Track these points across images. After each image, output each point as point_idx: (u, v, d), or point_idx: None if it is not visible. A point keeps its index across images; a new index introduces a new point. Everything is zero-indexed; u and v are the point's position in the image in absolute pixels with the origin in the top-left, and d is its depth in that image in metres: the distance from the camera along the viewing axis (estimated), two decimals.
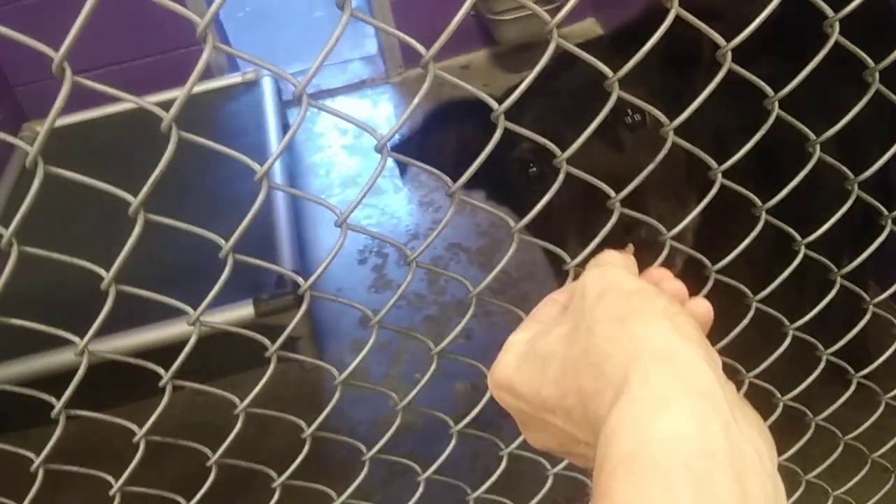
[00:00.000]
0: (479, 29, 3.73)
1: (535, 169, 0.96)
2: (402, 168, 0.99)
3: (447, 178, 0.70)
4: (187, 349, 0.71)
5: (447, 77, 0.63)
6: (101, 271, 0.64)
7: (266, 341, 0.75)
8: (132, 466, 0.77)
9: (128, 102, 0.57)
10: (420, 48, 0.60)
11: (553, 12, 0.62)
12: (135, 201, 0.60)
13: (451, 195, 0.70)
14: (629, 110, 0.91)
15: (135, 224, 0.61)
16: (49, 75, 0.50)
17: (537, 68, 0.64)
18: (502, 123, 0.65)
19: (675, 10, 0.65)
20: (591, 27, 3.83)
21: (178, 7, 0.57)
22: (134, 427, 0.76)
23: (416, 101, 0.61)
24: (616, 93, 0.67)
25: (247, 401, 0.78)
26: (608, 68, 0.66)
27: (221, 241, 0.66)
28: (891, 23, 1.42)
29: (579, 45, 1.04)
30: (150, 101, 0.58)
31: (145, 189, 0.60)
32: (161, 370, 0.75)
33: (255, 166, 0.63)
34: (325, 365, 0.82)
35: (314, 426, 0.84)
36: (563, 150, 0.69)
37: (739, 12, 0.81)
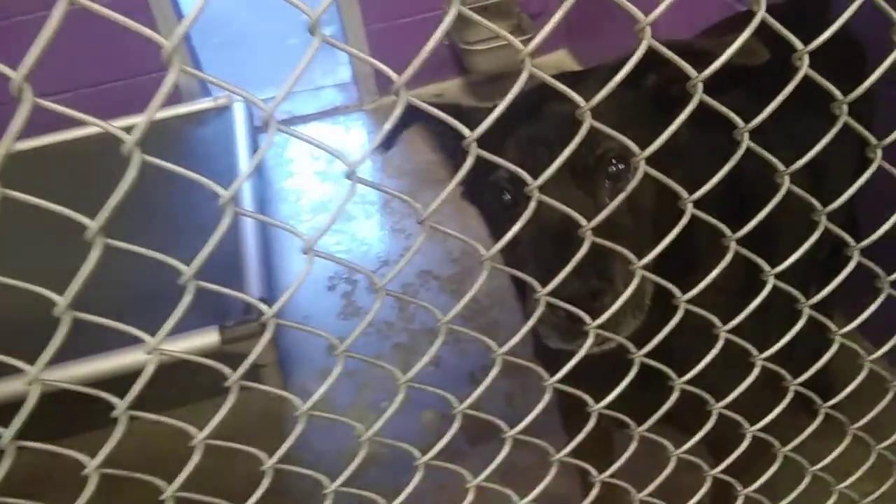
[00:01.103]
0: (452, 58, 3.76)
1: (508, 197, 0.96)
2: (389, 142, 0.97)
3: (418, 205, 0.69)
4: (144, 379, 0.68)
5: (419, 104, 0.63)
6: (56, 297, 0.62)
7: (227, 370, 0.73)
8: (82, 502, 0.74)
9: (95, 127, 0.56)
10: (392, 74, 0.60)
11: (526, 43, 0.62)
12: (92, 224, 0.58)
13: (421, 222, 0.69)
14: (614, 160, 0.91)
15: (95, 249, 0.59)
16: (11, 98, 0.49)
17: (509, 97, 0.63)
18: (474, 151, 0.65)
19: (647, 41, 0.65)
20: (563, 58, 3.88)
21: (145, 30, 0.55)
22: (84, 459, 0.73)
23: (387, 126, 0.61)
24: (588, 122, 0.67)
25: (204, 432, 0.75)
26: (583, 98, 0.66)
27: (183, 267, 0.64)
28: (856, 55, 1.45)
29: (577, 74, 1.05)
30: (118, 125, 0.56)
31: (103, 213, 0.58)
32: (116, 400, 0.72)
33: (221, 191, 0.62)
34: (288, 395, 0.80)
35: (274, 459, 0.82)
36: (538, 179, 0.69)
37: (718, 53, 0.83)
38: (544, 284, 0.76)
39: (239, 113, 3.26)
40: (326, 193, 3.29)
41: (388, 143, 0.97)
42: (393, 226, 3.07)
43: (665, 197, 0.83)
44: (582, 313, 0.79)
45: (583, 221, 0.73)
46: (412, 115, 0.68)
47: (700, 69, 0.68)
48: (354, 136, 3.69)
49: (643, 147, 0.71)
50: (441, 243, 2.79)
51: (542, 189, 0.69)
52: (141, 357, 1.95)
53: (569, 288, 0.77)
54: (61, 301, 0.61)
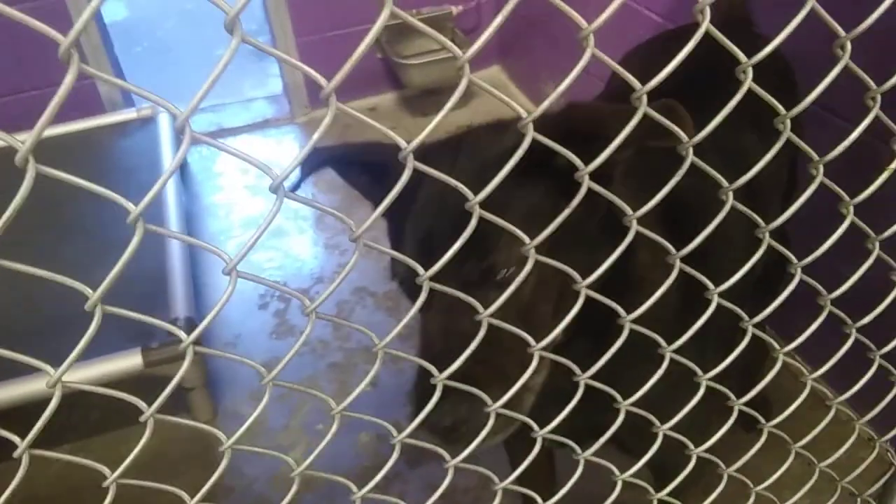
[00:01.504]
0: (386, 72, 3.71)
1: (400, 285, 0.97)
2: (302, 177, 0.94)
3: (351, 222, 0.65)
4: (46, 415, 0.61)
5: (350, 111, 0.58)
6: None
7: (142, 404, 0.66)
8: None
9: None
10: (321, 80, 0.55)
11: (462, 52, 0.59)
12: None
13: (354, 240, 0.64)
14: (504, 270, 0.88)
15: None
16: None
17: (442, 112, 0.61)
18: (410, 163, 0.61)
19: (590, 49, 0.62)
20: (496, 74, 3.88)
21: (38, 25, 0.49)
22: None
23: (316, 136, 0.56)
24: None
25: (118, 472, 0.68)
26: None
27: (88, 291, 0.57)
28: (783, 72, 1.47)
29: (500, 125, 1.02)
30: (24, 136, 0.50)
31: None
32: (16, 438, 0.64)
33: (130, 206, 0.56)
34: (212, 429, 0.74)
35: (198, 497, 0.75)
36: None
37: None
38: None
39: (164, 124, 3.14)
40: (257, 208, 3.20)
41: (297, 185, 0.94)
42: (326, 242, 3.00)
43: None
44: (440, 449, 0.86)
45: (479, 308, 0.75)
46: (317, 161, 0.66)
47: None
48: (286, 149, 3.60)
49: (549, 249, 0.73)
50: (376, 260, 2.73)
51: (431, 301, 0.71)
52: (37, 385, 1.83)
53: (435, 416, 0.83)
54: None
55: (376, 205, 0.66)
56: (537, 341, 0.80)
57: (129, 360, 1.99)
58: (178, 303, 2.20)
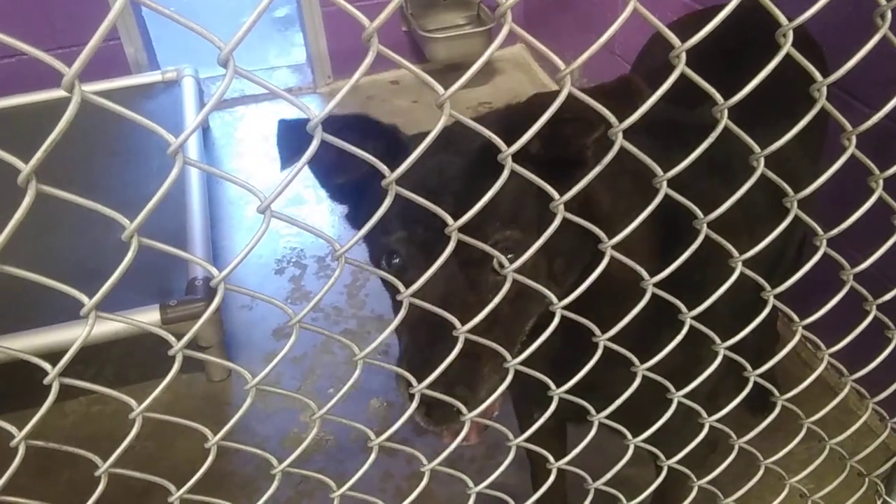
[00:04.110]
0: (411, 45, 3.70)
1: (398, 261, 0.94)
2: (286, 155, 0.94)
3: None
4: (79, 342, 0.62)
5: (389, 54, 0.58)
6: None
7: (171, 338, 0.68)
8: (9, 473, 0.68)
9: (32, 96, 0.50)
10: (363, 19, 0.55)
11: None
12: (25, 168, 0.52)
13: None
14: (507, 247, 0.88)
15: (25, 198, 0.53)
16: None
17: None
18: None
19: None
20: (520, 52, 3.86)
21: None
22: (13, 429, 0.66)
23: (357, 75, 0.57)
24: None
25: (145, 403, 0.70)
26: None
27: (125, 221, 0.58)
28: (814, 56, 1.45)
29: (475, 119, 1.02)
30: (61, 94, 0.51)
31: (38, 155, 0.52)
32: (47, 365, 0.66)
33: (170, 138, 0.57)
34: (238, 367, 0.75)
35: (221, 434, 0.77)
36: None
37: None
38: (414, 370, 0.82)
39: (188, 88, 3.15)
40: (276, 175, 3.20)
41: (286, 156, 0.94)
42: (343, 211, 3.01)
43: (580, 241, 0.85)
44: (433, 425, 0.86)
45: (457, 324, 0.76)
46: (336, 125, 0.66)
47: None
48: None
49: (538, 230, 0.74)
50: None
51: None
52: (74, 332, 1.85)
53: (434, 391, 0.82)
54: None
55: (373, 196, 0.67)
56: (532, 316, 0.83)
57: (147, 316, 2.02)
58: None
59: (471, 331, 0.77)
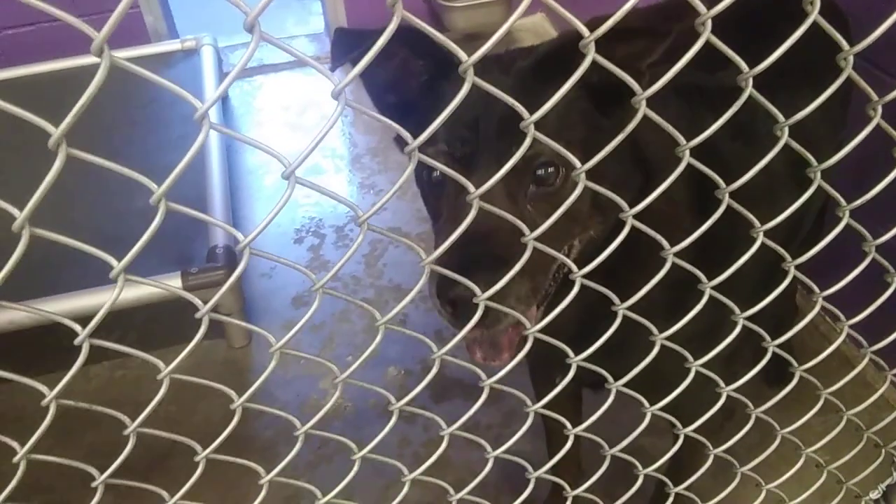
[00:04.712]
0: (430, 15, 3.68)
1: (438, 175, 0.95)
2: (337, 59, 0.93)
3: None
4: (108, 304, 0.64)
5: (413, 20, 0.59)
6: (14, 210, 0.57)
7: (198, 301, 0.69)
8: (39, 432, 0.70)
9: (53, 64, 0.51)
10: None
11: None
12: (56, 131, 0.53)
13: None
14: (542, 163, 0.89)
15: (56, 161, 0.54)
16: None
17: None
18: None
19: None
20: (540, 22, 3.82)
21: None
22: (44, 388, 0.68)
23: (381, 41, 0.57)
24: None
25: (172, 365, 0.71)
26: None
27: (153, 185, 0.59)
28: (840, 26, 1.43)
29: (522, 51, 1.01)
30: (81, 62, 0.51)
31: (68, 119, 0.53)
32: (77, 326, 0.67)
33: (197, 102, 0.58)
34: (262, 331, 0.76)
35: (246, 396, 0.78)
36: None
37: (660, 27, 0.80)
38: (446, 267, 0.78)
39: (208, 57, 3.16)
40: (295, 145, 3.22)
41: (338, 62, 0.92)
42: (362, 182, 3.02)
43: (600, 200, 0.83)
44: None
45: (525, 230, 0.74)
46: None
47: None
48: (324, 87, 3.59)
49: (583, 153, 0.72)
50: (410, 202, 2.75)
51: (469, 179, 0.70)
52: (101, 297, 1.88)
53: (456, 292, 0.81)
54: (20, 215, 0.57)
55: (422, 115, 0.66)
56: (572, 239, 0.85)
57: (169, 283, 2.04)
58: (217, 230, 2.24)
59: (507, 246, 0.78)
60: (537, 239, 0.74)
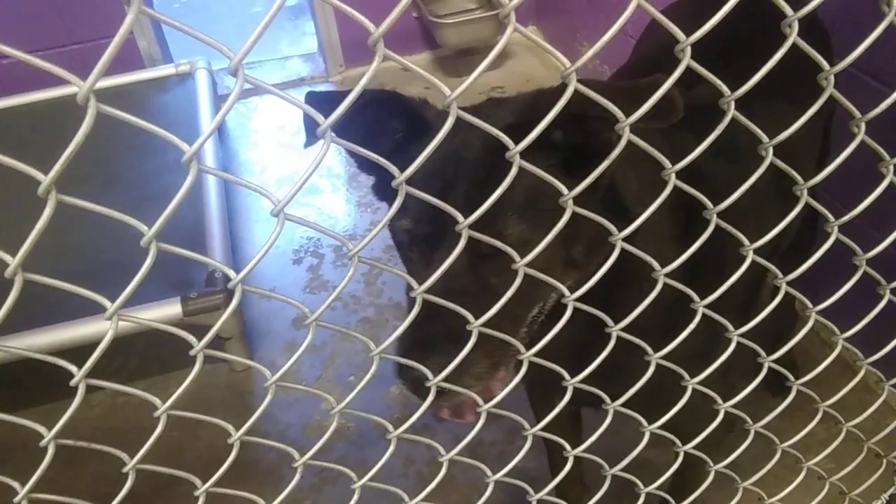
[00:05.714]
0: (422, 31, 3.70)
1: (414, 252, 0.98)
2: (310, 130, 0.94)
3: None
4: (103, 345, 0.64)
5: (396, 58, 0.59)
6: (7, 257, 0.58)
7: (192, 338, 0.70)
8: (39, 472, 0.70)
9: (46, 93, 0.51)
10: (369, 25, 0.56)
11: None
12: (45, 179, 0.54)
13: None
14: (521, 239, 0.88)
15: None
16: None
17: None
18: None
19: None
20: (532, 34, 3.83)
21: None
22: (42, 429, 0.69)
23: (363, 80, 0.57)
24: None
25: (169, 402, 0.72)
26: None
27: (143, 227, 0.60)
28: (820, 40, 1.43)
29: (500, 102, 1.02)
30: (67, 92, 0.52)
31: (56, 167, 0.54)
32: (73, 368, 0.68)
33: (184, 146, 0.58)
34: (257, 365, 0.77)
35: (242, 430, 0.79)
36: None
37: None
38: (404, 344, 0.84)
39: (202, 81, 3.17)
40: (292, 166, 3.23)
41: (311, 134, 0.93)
42: (359, 200, 3.03)
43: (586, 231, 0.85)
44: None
45: (470, 317, 0.77)
46: (363, 101, 0.66)
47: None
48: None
49: (551, 221, 0.73)
50: None
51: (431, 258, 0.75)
52: (99, 327, 1.89)
53: (412, 374, 0.86)
54: (13, 262, 0.57)
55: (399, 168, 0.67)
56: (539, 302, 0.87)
57: (169, 309, 2.05)
58: (216, 255, 2.25)
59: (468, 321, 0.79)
60: (504, 305, 0.76)
